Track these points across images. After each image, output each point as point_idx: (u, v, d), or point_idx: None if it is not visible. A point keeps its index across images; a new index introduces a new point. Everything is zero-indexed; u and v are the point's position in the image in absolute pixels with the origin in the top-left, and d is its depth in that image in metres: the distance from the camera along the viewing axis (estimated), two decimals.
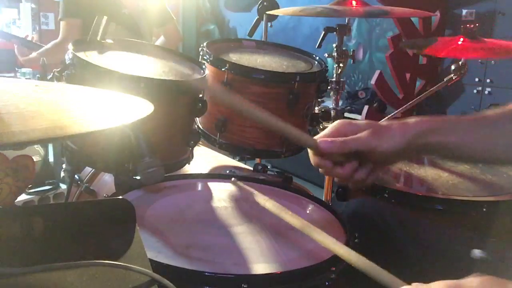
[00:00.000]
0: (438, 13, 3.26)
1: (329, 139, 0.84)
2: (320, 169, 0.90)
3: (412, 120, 0.84)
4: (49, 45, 2.43)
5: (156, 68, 1.21)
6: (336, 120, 1.56)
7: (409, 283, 0.60)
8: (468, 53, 1.49)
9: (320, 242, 0.81)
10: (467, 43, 1.48)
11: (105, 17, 1.17)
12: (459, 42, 1.56)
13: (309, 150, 0.89)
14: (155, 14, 2.49)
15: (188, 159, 1.26)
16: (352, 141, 0.82)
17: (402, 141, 0.80)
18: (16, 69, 3.35)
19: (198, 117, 1.35)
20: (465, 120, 0.85)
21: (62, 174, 1.41)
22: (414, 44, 1.78)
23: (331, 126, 0.87)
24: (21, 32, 4.99)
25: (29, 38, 2.60)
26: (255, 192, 1.04)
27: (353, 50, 1.61)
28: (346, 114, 3.83)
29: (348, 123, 0.85)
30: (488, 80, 3.10)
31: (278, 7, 1.98)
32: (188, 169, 1.30)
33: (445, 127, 0.82)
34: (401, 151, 0.81)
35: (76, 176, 1.44)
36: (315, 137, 0.88)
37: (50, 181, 2.25)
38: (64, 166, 1.29)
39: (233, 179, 1.19)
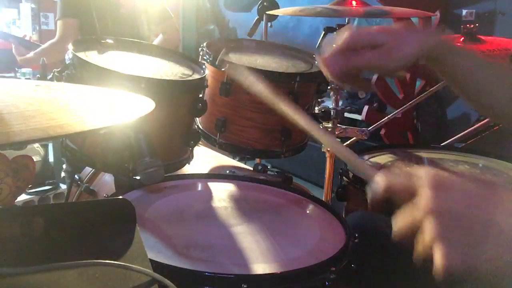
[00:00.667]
0: (438, 13, 3.26)
1: (335, 61, 0.77)
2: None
3: (431, 35, 0.78)
4: (45, 45, 2.43)
5: (156, 68, 1.21)
6: (336, 119, 1.58)
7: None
8: None
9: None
10: (467, 46, 1.49)
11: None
12: (461, 40, 1.57)
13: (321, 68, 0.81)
14: (154, 13, 2.49)
15: (188, 159, 1.26)
16: (360, 61, 0.76)
17: (411, 60, 0.75)
18: (16, 69, 3.35)
19: (198, 117, 1.35)
20: (486, 58, 0.81)
21: (63, 174, 1.41)
22: None
23: (342, 38, 0.77)
24: (21, 32, 4.99)
25: (26, 38, 2.60)
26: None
27: None
28: (346, 114, 3.83)
29: (360, 35, 0.77)
30: None
31: (278, 7, 1.98)
32: (188, 169, 1.30)
33: (465, 54, 0.78)
34: (410, 67, 0.77)
35: (76, 176, 1.44)
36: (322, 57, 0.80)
37: (50, 181, 2.25)
38: (64, 166, 1.29)
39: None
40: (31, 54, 2.45)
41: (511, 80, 0.79)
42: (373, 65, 0.76)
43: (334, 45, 0.77)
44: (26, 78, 3.21)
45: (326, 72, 0.79)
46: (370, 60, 0.75)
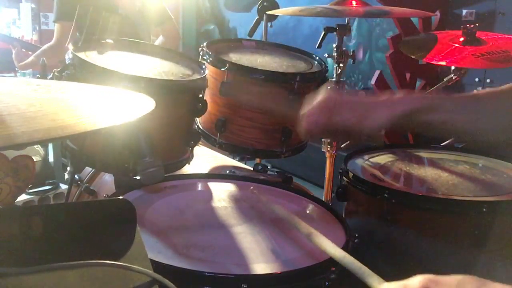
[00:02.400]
0: (438, 13, 3.26)
1: (313, 119, 0.84)
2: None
3: (399, 97, 0.83)
4: (43, 48, 2.43)
5: (156, 68, 1.21)
6: None
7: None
8: (468, 62, 1.50)
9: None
10: (467, 50, 1.49)
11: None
12: (460, 39, 1.57)
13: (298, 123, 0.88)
14: (153, 14, 2.49)
15: (188, 159, 1.26)
16: (336, 123, 0.82)
17: (387, 121, 0.80)
18: (16, 69, 3.34)
19: (198, 117, 1.35)
20: (453, 98, 0.84)
21: (66, 176, 1.41)
22: (412, 46, 1.77)
23: (319, 100, 0.85)
24: (21, 32, 4.99)
25: (26, 39, 2.60)
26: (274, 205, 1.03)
27: (353, 50, 1.61)
28: None
29: (335, 99, 0.84)
30: (488, 80, 3.10)
31: (278, 7, 1.98)
32: (188, 169, 1.30)
33: (433, 105, 0.82)
34: (386, 128, 0.82)
35: (76, 176, 1.44)
36: (302, 113, 0.87)
37: (50, 181, 2.25)
38: (68, 168, 1.29)
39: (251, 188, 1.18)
40: (31, 58, 2.45)
41: (494, 106, 0.82)
42: (346, 127, 0.83)
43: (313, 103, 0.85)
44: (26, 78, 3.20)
45: (304, 128, 0.87)
46: (344, 122, 0.82)
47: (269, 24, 2.07)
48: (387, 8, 1.59)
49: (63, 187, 2.25)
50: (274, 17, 2.04)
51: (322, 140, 1.63)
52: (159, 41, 2.59)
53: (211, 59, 1.33)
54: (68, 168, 1.27)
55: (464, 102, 0.85)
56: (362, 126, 0.81)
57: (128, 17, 2.36)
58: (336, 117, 0.82)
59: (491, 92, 0.84)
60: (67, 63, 1.12)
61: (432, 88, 1.85)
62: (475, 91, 0.85)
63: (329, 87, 0.86)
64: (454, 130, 0.83)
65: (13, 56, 2.48)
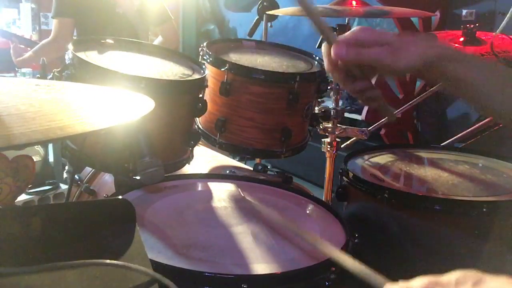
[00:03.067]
0: (438, 13, 3.26)
1: (344, 46, 0.77)
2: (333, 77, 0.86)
3: (434, 40, 0.80)
4: (41, 44, 2.43)
5: (156, 68, 1.21)
6: (336, 119, 1.58)
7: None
8: None
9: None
10: (467, 50, 1.49)
11: None
12: (460, 39, 1.57)
13: (324, 56, 0.82)
14: (152, 13, 2.49)
15: (188, 159, 1.26)
16: (367, 55, 0.76)
17: (418, 63, 0.77)
18: (16, 69, 3.34)
19: (198, 117, 1.35)
20: (485, 61, 0.81)
21: (65, 175, 1.41)
22: None
23: (351, 32, 0.79)
24: (21, 32, 4.99)
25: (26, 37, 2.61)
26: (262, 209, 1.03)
27: None
28: (346, 114, 3.83)
29: (369, 31, 0.78)
30: None
31: (278, 7, 1.98)
32: (188, 169, 1.30)
33: (466, 60, 0.79)
34: (415, 70, 0.78)
35: (76, 176, 1.44)
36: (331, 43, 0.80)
37: (50, 181, 2.25)
38: (66, 167, 1.29)
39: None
40: (29, 53, 2.45)
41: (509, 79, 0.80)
42: (378, 61, 0.77)
43: (343, 36, 0.78)
44: (26, 78, 3.20)
45: (328, 62, 0.79)
46: (376, 55, 0.76)
47: (269, 24, 2.07)
48: (387, 8, 1.59)
49: (63, 187, 2.26)
50: (274, 17, 2.04)
51: (322, 140, 1.63)
52: (157, 41, 2.59)
53: (211, 59, 1.33)
54: (67, 167, 1.27)
55: (493, 66, 0.81)
56: (392, 62, 0.76)
57: (126, 16, 2.36)
58: (366, 50, 0.76)
59: None
60: (67, 63, 1.12)
61: (432, 88, 1.85)
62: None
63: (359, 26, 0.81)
64: (476, 93, 0.79)
65: (11, 51, 2.48)
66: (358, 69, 0.80)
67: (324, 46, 0.80)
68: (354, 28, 0.79)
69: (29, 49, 2.51)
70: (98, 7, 2.28)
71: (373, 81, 0.86)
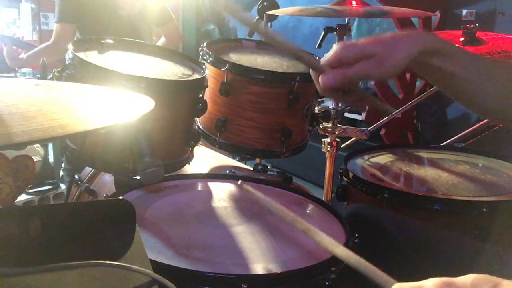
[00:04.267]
0: (438, 13, 3.26)
1: (330, 74, 0.76)
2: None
3: (419, 36, 0.77)
4: (39, 48, 2.43)
5: (156, 68, 1.21)
6: (336, 119, 1.58)
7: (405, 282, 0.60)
8: None
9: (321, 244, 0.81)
10: (467, 50, 1.49)
11: None
12: (460, 39, 1.57)
13: (315, 82, 0.81)
14: (154, 14, 2.49)
15: (188, 159, 1.26)
16: (354, 72, 0.75)
17: (405, 64, 0.76)
18: (16, 69, 3.35)
19: (198, 117, 1.35)
20: (470, 53, 0.80)
21: (61, 173, 1.41)
22: None
23: (332, 52, 0.78)
24: (21, 32, 4.99)
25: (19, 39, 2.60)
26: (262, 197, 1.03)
27: None
28: (346, 114, 3.83)
29: (351, 47, 0.77)
30: None
31: (278, 7, 1.98)
32: (188, 169, 1.30)
33: (448, 52, 0.77)
34: (404, 68, 0.77)
35: (76, 176, 1.44)
36: (320, 62, 0.80)
37: (50, 181, 2.25)
38: (63, 165, 1.29)
39: (239, 182, 1.18)
40: (27, 55, 2.44)
41: (505, 75, 0.79)
42: (366, 76, 0.76)
43: (325, 60, 0.78)
44: (26, 78, 3.20)
45: (319, 87, 0.79)
46: (363, 70, 0.75)
47: (269, 24, 2.07)
48: (387, 8, 1.59)
49: (63, 187, 2.26)
50: (274, 17, 2.04)
51: (322, 140, 1.63)
52: (160, 41, 2.59)
53: (211, 59, 1.33)
54: (63, 165, 1.27)
55: (480, 61, 0.80)
56: (380, 73, 0.75)
57: (129, 19, 2.37)
58: (352, 68, 0.75)
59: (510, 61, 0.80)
60: (67, 63, 1.12)
61: (432, 88, 1.85)
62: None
63: (336, 43, 0.80)
64: (462, 87, 0.78)
65: (4, 53, 2.47)
66: (346, 85, 0.79)
67: (311, 73, 0.80)
68: (334, 46, 0.78)
69: (20, 50, 2.50)
70: (100, 10, 2.29)
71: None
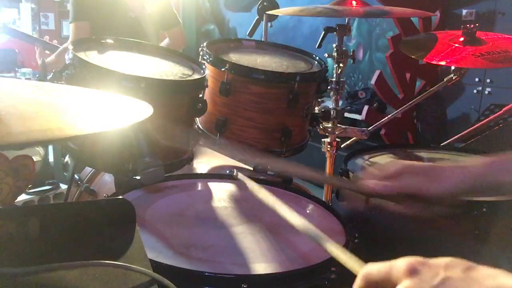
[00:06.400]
0: (438, 13, 3.26)
1: (381, 183, 0.85)
2: None
3: (473, 164, 0.82)
4: (61, 48, 2.46)
5: (156, 68, 1.21)
6: (336, 119, 1.58)
7: None
8: (468, 62, 1.49)
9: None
10: (467, 50, 1.49)
11: None
12: (460, 39, 1.57)
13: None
14: (162, 17, 2.51)
15: (188, 159, 1.26)
16: (405, 188, 0.83)
17: (455, 191, 0.80)
18: (16, 69, 3.35)
19: (198, 117, 1.35)
20: None
21: (65, 174, 1.41)
22: (412, 46, 1.77)
23: (383, 168, 0.87)
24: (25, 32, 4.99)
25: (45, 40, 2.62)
26: (256, 187, 1.02)
27: (353, 50, 1.61)
28: (346, 114, 3.83)
29: (403, 166, 0.85)
30: (488, 80, 3.10)
31: (278, 7, 1.98)
32: (188, 169, 1.30)
33: (503, 167, 0.81)
34: (455, 193, 0.81)
35: (76, 176, 1.44)
36: (367, 177, 0.89)
37: (50, 181, 2.25)
38: (68, 162, 1.29)
39: (235, 172, 1.18)
40: (51, 57, 2.47)
41: None
42: (413, 190, 0.83)
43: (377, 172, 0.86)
44: (26, 78, 3.21)
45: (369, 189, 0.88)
46: (411, 185, 0.83)
47: (269, 24, 2.07)
48: (387, 8, 1.59)
49: (63, 187, 2.26)
50: (274, 17, 2.04)
51: (322, 140, 1.63)
52: (164, 43, 2.61)
53: (211, 59, 1.33)
54: (68, 161, 1.27)
55: None
56: (429, 191, 0.81)
57: (138, 21, 2.38)
58: (399, 181, 0.83)
59: None
60: (67, 63, 1.12)
61: (432, 88, 1.85)
62: None
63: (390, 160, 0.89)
64: None
65: (37, 56, 2.50)
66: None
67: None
68: (387, 164, 0.86)
69: (48, 52, 2.53)
70: (112, 11, 2.31)
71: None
